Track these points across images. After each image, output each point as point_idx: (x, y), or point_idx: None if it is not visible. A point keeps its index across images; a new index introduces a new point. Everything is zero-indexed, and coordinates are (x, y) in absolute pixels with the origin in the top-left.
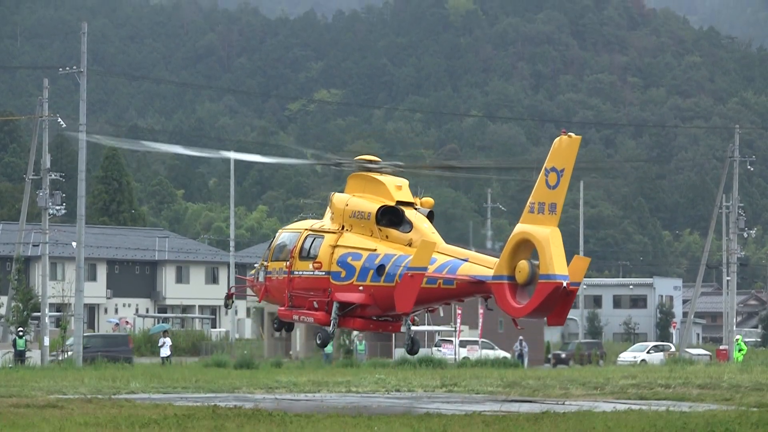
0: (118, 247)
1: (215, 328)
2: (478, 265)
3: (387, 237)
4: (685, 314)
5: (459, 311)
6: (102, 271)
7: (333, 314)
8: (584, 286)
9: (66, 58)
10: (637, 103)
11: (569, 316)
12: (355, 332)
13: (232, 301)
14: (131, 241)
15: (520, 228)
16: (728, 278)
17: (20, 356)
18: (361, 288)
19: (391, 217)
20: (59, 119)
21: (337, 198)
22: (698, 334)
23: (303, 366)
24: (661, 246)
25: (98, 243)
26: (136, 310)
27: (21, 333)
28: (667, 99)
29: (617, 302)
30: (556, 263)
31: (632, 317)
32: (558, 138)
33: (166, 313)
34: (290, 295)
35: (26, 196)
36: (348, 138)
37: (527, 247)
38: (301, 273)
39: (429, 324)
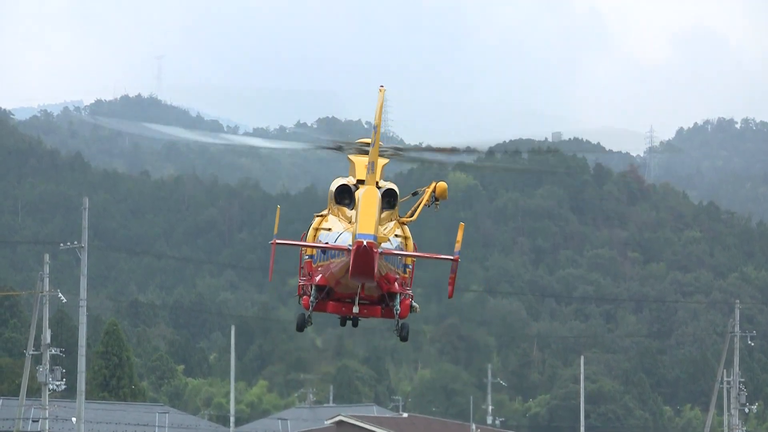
0: (118, 422)
1: None
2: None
3: (342, 215)
4: None
5: None
6: None
7: (311, 298)
8: None
9: (67, 232)
10: (637, 278)
11: None
12: None
13: None
14: (131, 417)
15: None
16: None
17: None
18: (319, 268)
19: (346, 195)
20: (60, 294)
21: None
22: None
23: None
24: (663, 421)
25: (98, 418)
26: None
27: None
28: (667, 274)
29: None
30: (361, 222)
31: None
32: None
33: None
34: (302, 283)
35: (26, 371)
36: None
37: None
38: (305, 258)
39: None
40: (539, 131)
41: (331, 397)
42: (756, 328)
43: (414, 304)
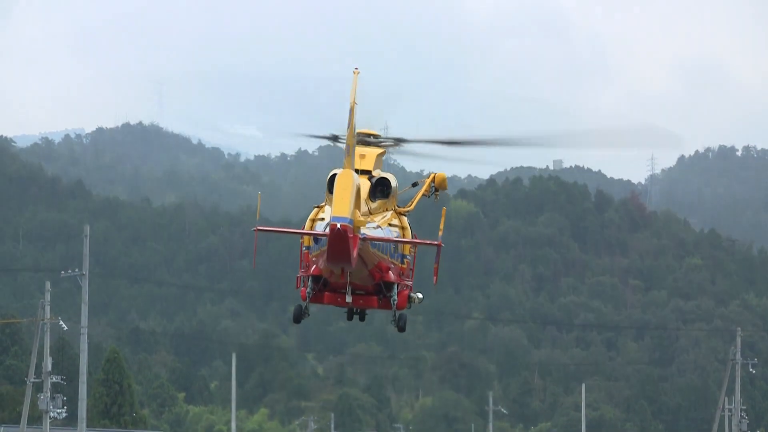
0: None
1: None
2: None
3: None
4: None
5: None
6: None
7: (308, 289)
8: None
9: (68, 260)
10: (638, 305)
11: None
12: None
13: None
14: None
15: None
16: None
17: None
18: (314, 258)
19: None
20: (61, 322)
21: None
22: None
23: None
24: None
25: None
26: None
27: None
28: (668, 301)
29: None
30: (335, 205)
31: None
32: None
33: None
34: (300, 274)
35: (27, 399)
36: (350, 339)
37: None
38: (303, 249)
39: None
40: (540, 159)
41: (332, 425)
42: (757, 355)
43: (412, 295)
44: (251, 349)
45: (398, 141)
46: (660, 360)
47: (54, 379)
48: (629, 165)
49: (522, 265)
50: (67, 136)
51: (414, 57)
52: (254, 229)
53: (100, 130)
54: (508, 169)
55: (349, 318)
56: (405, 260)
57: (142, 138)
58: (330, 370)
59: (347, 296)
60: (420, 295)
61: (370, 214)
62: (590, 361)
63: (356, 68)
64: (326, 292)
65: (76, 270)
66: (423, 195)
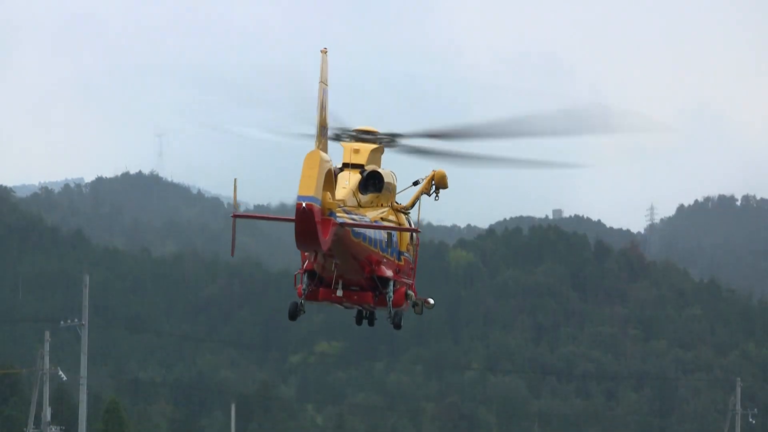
0: None
1: None
2: None
3: None
4: None
5: None
6: None
7: (304, 285)
8: None
9: (67, 310)
10: (638, 355)
11: None
12: None
13: None
14: None
15: None
16: None
17: None
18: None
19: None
20: (60, 372)
21: None
22: None
23: None
24: None
25: None
26: None
27: None
28: (668, 351)
29: None
30: (300, 184)
31: None
32: None
33: None
34: (298, 272)
35: None
36: (349, 390)
37: None
38: None
39: None
40: (540, 208)
41: None
42: (757, 405)
43: (409, 292)
44: (250, 399)
45: (394, 137)
46: (660, 410)
47: (53, 429)
48: (628, 215)
49: (521, 314)
50: (66, 185)
51: (412, 99)
52: (232, 216)
53: (99, 179)
54: (508, 218)
55: (358, 323)
56: (402, 257)
57: (141, 187)
58: (329, 419)
59: (338, 290)
60: (432, 301)
61: (360, 207)
62: (590, 411)
63: (324, 48)
64: (321, 288)
65: (76, 320)
66: (423, 193)
